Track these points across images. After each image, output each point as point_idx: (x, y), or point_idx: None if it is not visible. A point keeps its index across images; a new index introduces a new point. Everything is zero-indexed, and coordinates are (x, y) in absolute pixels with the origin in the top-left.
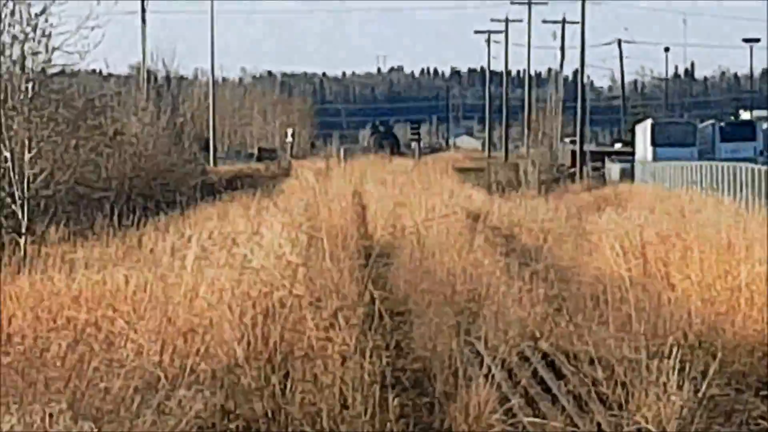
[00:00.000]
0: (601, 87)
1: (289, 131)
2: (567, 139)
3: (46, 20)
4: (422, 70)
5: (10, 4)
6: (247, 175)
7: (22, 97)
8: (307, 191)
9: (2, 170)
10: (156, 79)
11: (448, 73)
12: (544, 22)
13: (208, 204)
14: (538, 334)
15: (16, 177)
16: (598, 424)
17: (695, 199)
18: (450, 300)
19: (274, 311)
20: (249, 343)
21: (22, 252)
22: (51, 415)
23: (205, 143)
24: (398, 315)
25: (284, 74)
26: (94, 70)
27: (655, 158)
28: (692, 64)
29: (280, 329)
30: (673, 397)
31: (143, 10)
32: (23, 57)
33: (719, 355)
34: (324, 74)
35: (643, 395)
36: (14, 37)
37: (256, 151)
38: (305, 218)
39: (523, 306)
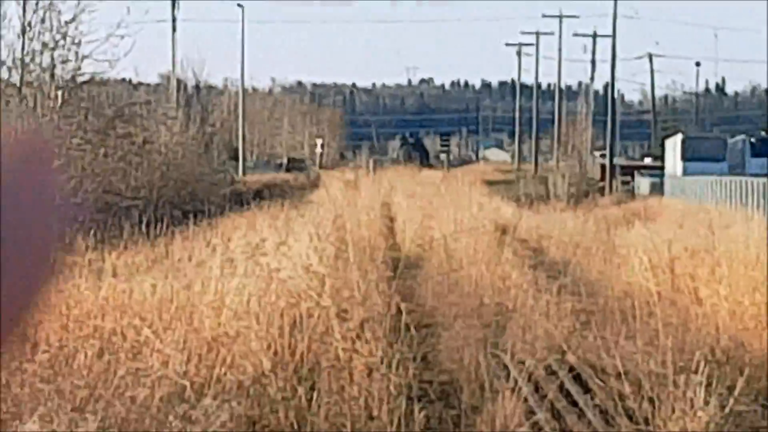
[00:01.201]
0: (632, 101)
1: (319, 142)
2: (597, 153)
3: (77, 28)
4: (452, 82)
5: (41, 12)
6: (275, 185)
7: (51, 104)
8: (336, 202)
9: None
10: (186, 88)
11: (478, 85)
12: (575, 35)
13: (236, 214)
14: (565, 348)
15: None
16: None
17: (724, 214)
18: (477, 313)
19: (300, 322)
20: (275, 354)
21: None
22: (76, 424)
23: (234, 153)
24: (425, 327)
25: (314, 85)
26: (123, 79)
27: (685, 173)
28: (723, 79)
29: (306, 340)
30: (699, 413)
31: (173, 19)
32: (53, 65)
33: (746, 371)
34: (354, 85)
35: (670, 410)
36: (44, 45)
37: (285, 162)
38: (333, 229)
39: (550, 319)
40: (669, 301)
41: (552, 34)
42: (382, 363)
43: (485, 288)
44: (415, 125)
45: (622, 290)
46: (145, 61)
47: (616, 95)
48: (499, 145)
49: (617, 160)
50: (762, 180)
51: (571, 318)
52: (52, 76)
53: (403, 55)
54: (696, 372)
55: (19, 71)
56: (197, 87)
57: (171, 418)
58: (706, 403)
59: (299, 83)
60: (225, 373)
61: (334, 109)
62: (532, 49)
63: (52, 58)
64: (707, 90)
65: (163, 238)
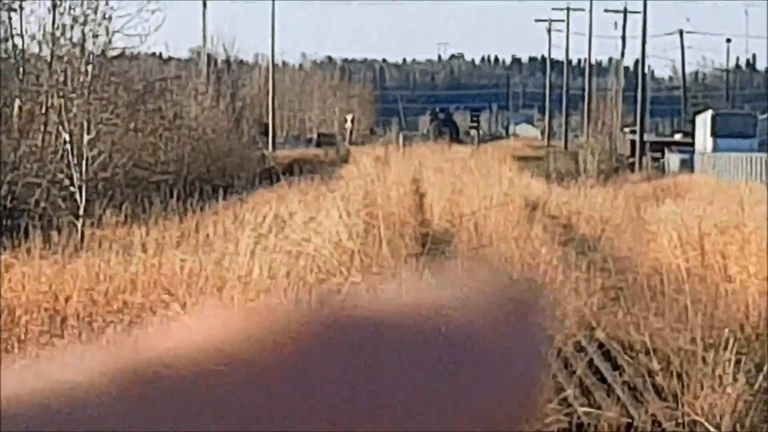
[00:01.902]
0: (662, 77)
1: (349, 117)
2: (627, 129)
3: (107, 2)
4: (483, 58)
5: None
6: (305, 160)
7: (81, 79)
8: (366, 178)
9: (61, 152)
10: (216, 63)
11: (508, 61)
12: (606, 11)
13: (266, 189)
14: (594, 324)
15: (75, 159)
16: (653, 416)
17: (755, 191)
18: None
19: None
20: None
21: (79, 234)
22: None
23: (264, 128)
24: None
25: (344, 60)
26: (154, 53)
27: (715, 149)
28: (754, 56)
29: None
30: (728, 390)
31: None
32: (83, 39)
33: None
34: (384, 61)
35: (699, 387)
36: (75, 19)
37: (315, 137)
38: (363, 205)
39: (579, 296)
40: (698, 278)
41: (582, 10)
42: None
43: (514, 264)
44: (445, 101)
45: (651, 267)
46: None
47: (646, 71)
48: (529, 121)
49: (647, 137)
50: None
51: (600, 294)
52: (83, 50)
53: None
54: (725, 349)
55: (50, 45)
56: (228, 62)
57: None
58: (735, 379)
59: (329, 58)
60: None
61: (364, 84)
62: (562, 25)
63: (83, 33)
64: (738, 66)
65: (192, 213)
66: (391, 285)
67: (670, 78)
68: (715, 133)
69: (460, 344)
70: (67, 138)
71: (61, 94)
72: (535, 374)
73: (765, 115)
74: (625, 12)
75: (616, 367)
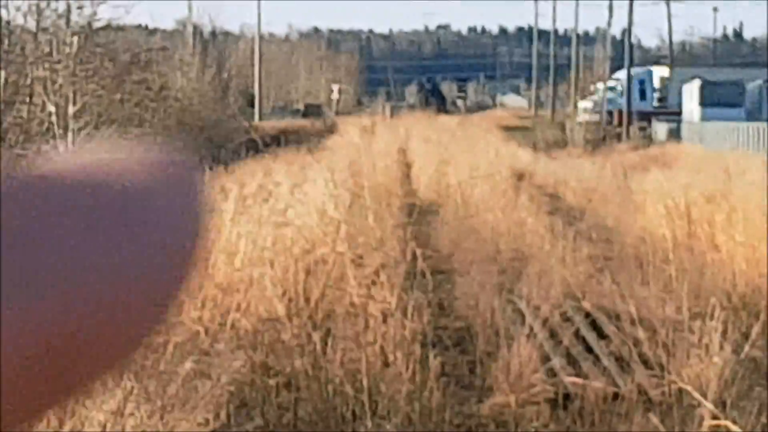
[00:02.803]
0: (649, 46)
1: (335, 88)
2: None
3: None
4: (469, 28)
5: None
6: (292, 131)
7: (67, 51)
8: (352, 148)
9: (47, 124)
10: (202, 34)
11: (495, 31)
12: None
13: (252, 159)
14: (580, 294)
15: (61, 131)
16: (639, 385)
17: (742, 160)
18: (493, 259)
19: (315, 268)
20: (290, 300)
21: None
22: None
23: (250, 99)
24: (441, 273)
25: (331, 30)
26: (139, 25)
27: (703, 118)
28: (741, 25)
29: (321, 286)
30: (714, 359)
31: None
32: (68, 11)
33: (762, 316)
34: (371, 31)
35: (685, 356)
36: None
37: (301, 108)
38: (349, 175)
39: (566, 265)
40: (685, 247)
41: None
42: (397, 309)
43: (501, 234)
44: (432, 71)
45: (638, 236)
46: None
47: (633, 41)
48: (516, 91)
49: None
50: None
51: (586, 264)
52: (68, 22)
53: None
54: (712, 318)
55: (35, 17)
56: (213, 33)
57: (187, 364)
58: (722, 348)
59: (316, 29)
60: (239, 319)
61: (351, 55)
62: None
63: (68, 4)
64: (725, 35)
65: None
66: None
67: (657, 47)
68: (702, 102)
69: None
70: (53, 110)
71: (46, 65)
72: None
73: (752, 84)
74: None
75: (602, 336)
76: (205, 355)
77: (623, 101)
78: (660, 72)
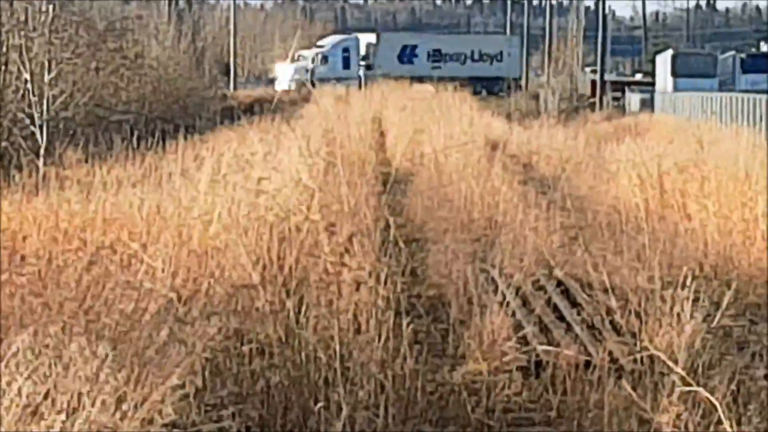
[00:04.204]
0: (623, 17)
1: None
2: (588, 69)
3: None
4: None
5: None
6: (267, 100)
7: (42, 18)
8: (326, 117)
9: (22, 91)
10: (177, 2)
11: (469, 1)
12: None
13: (227, 128)
14: (553, 263)
15: (36, 98)
16: (611, 353)
17: (714, 130)
18: (466, 227)
19: (289, 236)
20: (264, 267)
21: (40, 173)
22: (65, 336)
23: (225, 68)
24: (414, 241)
25: (306, 0)
26: None
27: (676, 89)
28: None
29: (295, 254)
30: (686, 327)
31: None
32: None
33: (734, 285)
34: (346, 1)
35: (657, 325)
36: None
37: (276, 77)
38: (323, 144)
39: (539, 234)
40: (658, 217)
41: None
42: (370, 277)
43: (475, 203)
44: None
45: (611, 206)
46: None
47: (607, 11)
48: None
49: (608, 76)
50: (752, 96)
51: (559, 233)
52: None
53: None
54: (683, 287)
55: None
56: (189, 2)
57: (161, 331)
58: (693, 317)
59: None
60: (213, 286)
61: (326, 24)
62: None
63: None
64: (698, 6)
65: (153, 153)
66: None
67: (631, 18)
68: (675, 73)
69: None
70: (28, 77)
71: (21, 33)
72: None
73: (725, 55)
74: None
75: (574, 305)
76: (180, 322)
77: (323, 69)
78: (367, 39)
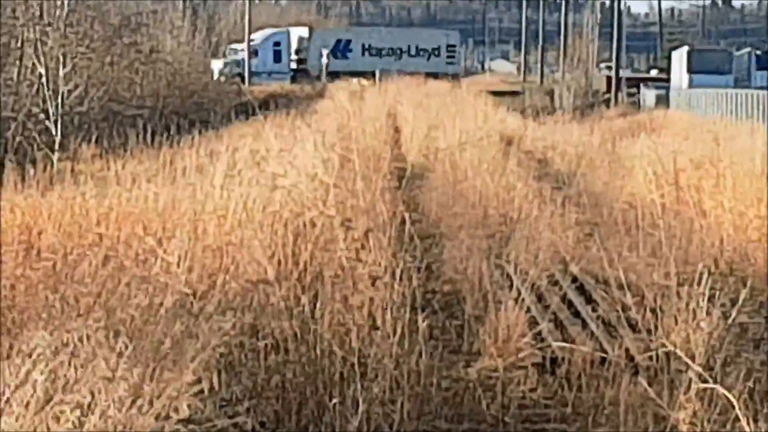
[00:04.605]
0: (638, 13)
1: (324, 52)
2: (603, 65)
3: None
4: None
5: None
6: (281, 95)
7: (57, 13)
8: (342, 112)
9: (37, 86)
10: None
11: None
12: None
13: (242, 123)
14: (568, 259)
15: (50, 93)
16: (627, 350)
17: (729, 127)
18: (482, 223)
19: (304, 231)
20: (279, 263)
21: (54, 168)
22: (81, 331)
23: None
24: (429, 237)
25: None
26: None
27: (691, 85)
28: None
29: (310, 249)
30: (702, 324)
31: None
32: None
33: (750, 282)
34: None
35: (672, 321)
36: None
37: (290, 72)
38: (339, 139)
39: (554, 230)
40: (673, 213)
41: None
42: (385, 272)
43: (490, 199)
44: None
45: (626, 202)
46: None
47: (622, 7)
48: (506, 57)
49: (623, 73)
50: (767, 93)
51: (575, 229)
52: None
53: None
54: (699, 283)
55: None
56: None
57: (176, 326)
58: (709, 314)
59: None
60: (228, 282)
61: (340, 19)
62: None
63: None
64: (714, 2)
65: (168, 148)
66: None
67: (646, 14)
68: (690, 69)
69: None
70: (43, 72)
71: (36, 28)
72: None
73: (740, 52)
74: None
75: (590, 301)
76: (195, 318)
77: (254, 63)
78: (299, 33)
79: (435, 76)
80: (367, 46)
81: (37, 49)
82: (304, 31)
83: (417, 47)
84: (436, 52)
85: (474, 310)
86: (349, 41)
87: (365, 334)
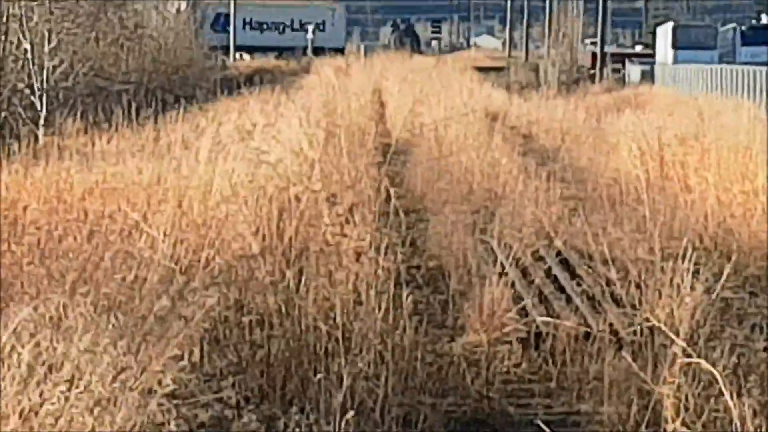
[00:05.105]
0: None
1: (310, 28)
2: (588, 41)
3: None
4: None
5: None
6: (267, 70)
7: None
8: (327, 88)
9: (22, 61)
10: None
11: None
12: None
13: (227, 99)
14: (553, 234)
15: (36, 68)
16: (611, 324)
17: (714, 102)
18: (466, 198)
19: (289, 206)
20: (264, 238)
21: (40, 143)
22: (66, 306)
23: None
24: (414, 212)
25: None
26: None
27: (676, 61)
28: None
29: (295, 224)
30: (686, 299)
31: None
32: None
33: (734, 257)
34: None
35: (657, 296)
36: None
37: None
38: (323, 114)
39: (539, 205)
40: (658, 189)
41: None
42: (370, 247)
43: (474, 174)
44: (407, 12)
45: (611, 177)
46: None
47: None
48: (491, 33)
49: (608, 48)
50: (752, 68)
51: (559, 204)
52: None
53: None
54: (683, 259)
55: None
56: None
57: (161, 300)
58: (693, 289)
59: None
60: (213, 257)
61: None
62: None
63: None
64: None
65: (153, 123)
66: None
67: None
68: (675, 45)
69: None
70: (28, 47)
71: (21, 3)
72: None
73: (725, 27)
74: None
75: (574, 276)
76: (180, 293)
77: None
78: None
79: (320, 51)
80: (248, 20)
81: (23, 24)
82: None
83: (301, 21)
84: (321, 27)
85: (458, 285)
86: (228, 15)
87: (350, 308)
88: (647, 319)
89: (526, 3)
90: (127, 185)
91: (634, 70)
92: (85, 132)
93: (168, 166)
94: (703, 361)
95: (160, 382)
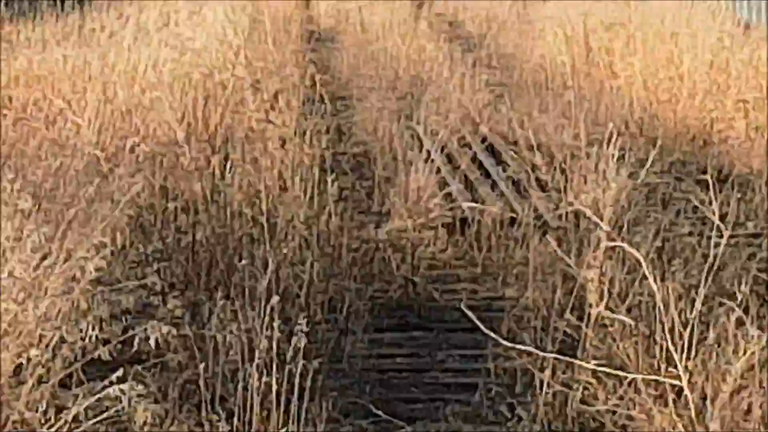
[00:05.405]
0: None
1: None
2: None
3: None
4: None
5: None
6: None
7: None
8: None
9: None
10: None
11: None
12: None
13: None
14: (478, 120)
15: None
16: (536, 209)
17: None
18: (392, 85)
19: (214, 93)
20: (189, 125)
21: None
22: None
23: None
24: (340, 99)
25: None
26: None
27: None
28: None
29: (220, 111)
30: (611, 184)
31: None
32: None
33: (659, 143)
34: None
35: (582, 182)
36: None
37: None
38: (248, 1)
39: (464, 92)
40: (584, 74)
41: None
42: (295, 134)
43: (400, 60)
44: None
45: (537, 63)
46: None
47: None
48: None
49: None
50: None
51: (485, 91)
52: None
53: None
54: (609, 144)
55: None
56: None
57: (87, 188)
58: (618, 174)
59: None
60: (138, 144)
61: None
62: None
63: None
64: None
65: (77, 10)
66: None
67: None
68: None
69: None
70: None
71: None
72: None
73: None
74: None
75: (500, 162)
76: (105, 179)
77: None
78: None
79: None
80: None
81: None
82: None
83: None
84: None
85: (384, 171)
86: None
87: (275, 195)
88: (572, 204)
89: None
90: (52, 73)
91: None
92: (10, 20)
93: (92, 54)
94: (626, 245)
95: (83, 269)
